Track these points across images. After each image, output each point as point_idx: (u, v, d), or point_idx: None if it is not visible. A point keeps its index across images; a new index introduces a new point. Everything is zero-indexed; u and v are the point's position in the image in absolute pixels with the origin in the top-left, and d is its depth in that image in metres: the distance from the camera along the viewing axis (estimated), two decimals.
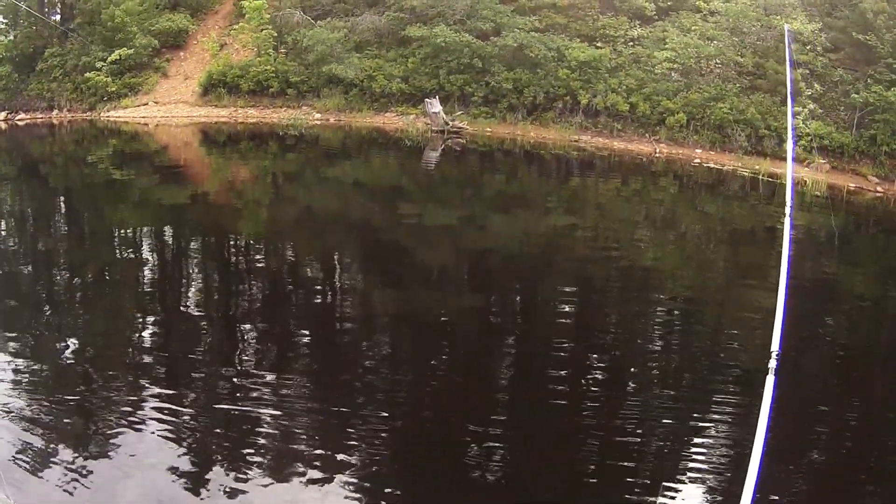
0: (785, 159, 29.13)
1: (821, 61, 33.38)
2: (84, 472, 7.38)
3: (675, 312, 14.15)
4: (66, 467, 7.45)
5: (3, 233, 19.18)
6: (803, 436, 9.12)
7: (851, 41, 33.46)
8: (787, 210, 7.53)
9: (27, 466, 7.41)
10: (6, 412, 8.32)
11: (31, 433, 7.98)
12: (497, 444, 8.57)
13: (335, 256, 17.48)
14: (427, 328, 12.40)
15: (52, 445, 7.86)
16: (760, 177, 28.03)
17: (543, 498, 7.72)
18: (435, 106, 33.41)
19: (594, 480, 8.03)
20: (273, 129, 35.53)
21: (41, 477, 7.30)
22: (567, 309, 14.11)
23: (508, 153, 31.75)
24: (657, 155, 31.39)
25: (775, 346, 5.48)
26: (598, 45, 36.06)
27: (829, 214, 19.99)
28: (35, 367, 9.83)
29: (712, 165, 30.23)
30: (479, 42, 35.18)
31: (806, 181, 27.19)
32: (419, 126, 34.02)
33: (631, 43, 36.40)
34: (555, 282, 15.34)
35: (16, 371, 9.56)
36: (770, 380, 5.12)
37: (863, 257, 20.63)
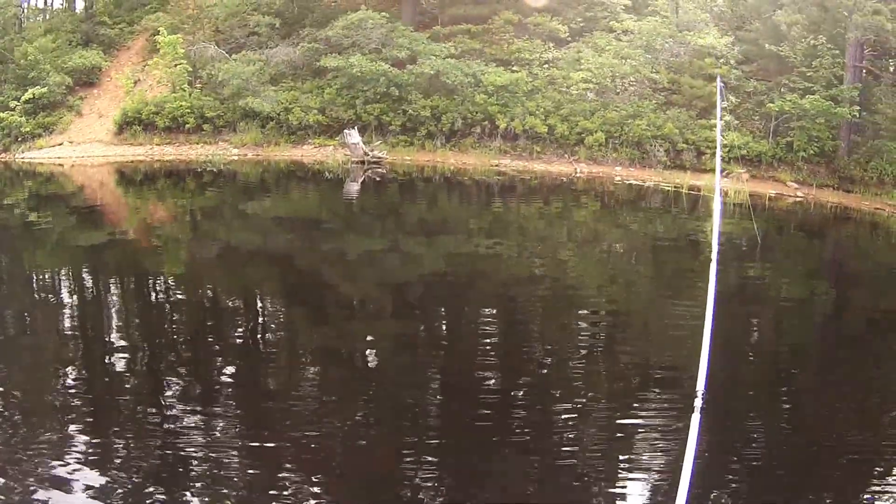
0: (705, 171, 30.05)
1: (734, 74, 34.08)
2: None
3: (600, 327, 14.32)
4: None
5: None
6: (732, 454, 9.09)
7: (764, 53, 34.42)
8: (713, 254, 7.37)
9: None
10: None
11: None
12: (429, 471, 8.48)
13: (257, 292, 17.23)
14: (352, 358, 12.39)
15: None
16: (682, 190, 28.37)
17: None
18: (354, 136, 33.17)
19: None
20: (190, 167, 34.98)
21: None
22: (491, 330, 14.19)
23: (429, 181, 31.75)
24: (578, 175, 31.61)
25: (701, 385, 5.64)
26: (514, 68, 36.28)
27: (751, 222, 20.24)
28: None
29: (633, 182, 30.51)
30: (395, 70, 35.05)
31: (727, 191, 27.54)
32: (339, 158, 33.78)
33: (546, 65, 36.68)
34: (479, 304, 15.37)
35: None
36: (696, 418, 5.23)
37: (786, 260, 21.10)
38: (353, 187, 30.75)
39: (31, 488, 7.86)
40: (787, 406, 11.01)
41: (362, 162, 33.09)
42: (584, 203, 28.03)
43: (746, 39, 35.91)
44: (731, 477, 8.77)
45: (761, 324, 15.37)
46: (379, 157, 33.54)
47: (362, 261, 19.31)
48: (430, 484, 8.20)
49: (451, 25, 39.16)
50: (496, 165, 32.74)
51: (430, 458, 8.67)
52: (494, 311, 15.13)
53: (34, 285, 17.29)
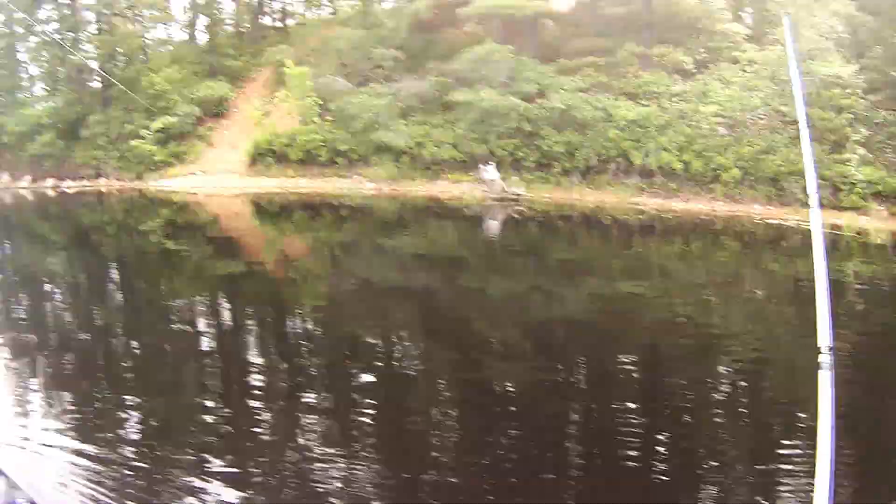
0: (843, 208, 29.88)
1: (862, 104, 34.07)
2: None
3: (743, 376, 14.26)
4: None
5: (58, 303, 19.28)
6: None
7: (890, 80, 34.28)
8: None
9: None
10: (63, 485, 8.43)
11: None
12: None
13: (395, 328, 17.44)
14: (491, 399, 12.57)
15: None
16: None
17: None
18: (492, 173, 34.06)
19: None
20: (326, 200, 35.76)
21: None
22: (633, 375, 14.37)
23: (568, 219, 32.25)
24: (716, 213, 31.90)
25: (824, 340, 4.76)
26: (643, 102, 36.78)
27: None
28: (99, 436, 9.88)
29: (772, 221, 30.62)
30: (526, 105, 35.84)
31: (867, 230, 27.79)
32: (476, 194, 34.37)
33: (675, 98, 36.96)
34: (620, 348, 15.48)
35: (74, 440, 9.58)
36: (825, 375, 4.63)
37: None
38: (494, 225, 31.31)
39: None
40: None
41: (501, 199, 33.85)
42: (724, 243, 28.31)
43: (870, 67, 35.45)
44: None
45: None
46: (517, 194, 34.23)
47: (503, 300, 19.51)
48: None
49: (577, 58, 39.78)
50: (635, 204, 33.21)
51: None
52: (636, 357, 15.32)
53: (172, 313, 18.04)
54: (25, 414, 10.52)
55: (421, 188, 35.99)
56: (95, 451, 9.04)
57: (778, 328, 17.97)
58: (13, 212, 39.93)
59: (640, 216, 31.88)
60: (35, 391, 11.67)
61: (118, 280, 22.89)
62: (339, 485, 8.99)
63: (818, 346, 4.69)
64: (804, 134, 5.58)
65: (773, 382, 14.12)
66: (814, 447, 8.81)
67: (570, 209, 33.15)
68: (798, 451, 10.17)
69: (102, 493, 8.17)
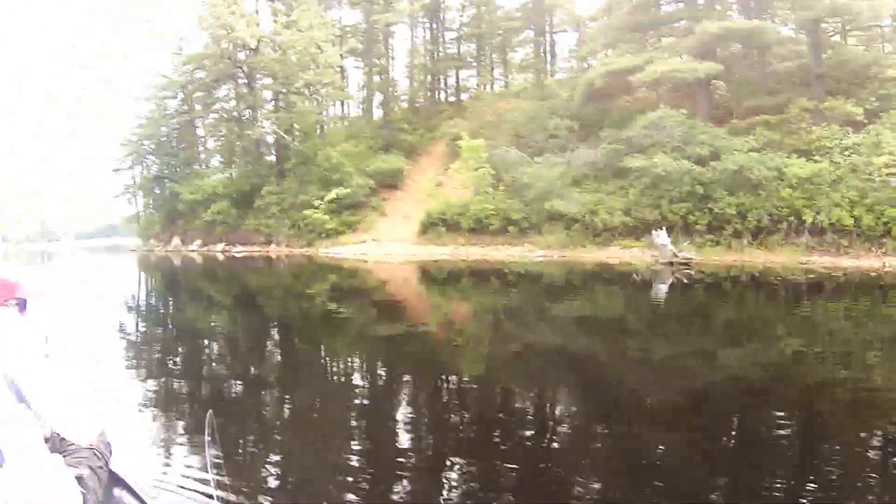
0: None
1: None
2: None
3: None
4: None
5: (220, 361, 20.17)
6: None
7: None
8: None
9: None
10: None
11: None
12: None
13: (556, 394, 17.71)
14: (647, 463, 12.55)
15: None
16: None
17: None
18: (662, 238, 34.70)
19: None
20: (494, 267, 36.53)
21: None
22: (788, 434, 13.96)
23: (737, 281, 32.16)
24: (886, 269, 31.51)
25: None
26: (816, 157, 36.81)
27: None
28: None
29: None
30: (698, 168, 36.42)
31: None
32: (646, 259, 34.87)
33: (847, 152, 36.89)
34: (779, 409, 15.24)
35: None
36: None
37: None
38: (662, 289, 31.65)
39: None
40: None
41: (671, 263, 34.34)
42: (893, 301, 28.10)
43: None
44: None
45: None
46: (688, 259, 34.69)
47: (664, 364, 19.42)
48: None
49: (749, 118, 40.04)
50: (804, 263, 33.20)
51: None
52: (792, 417, 14.97)
53: (330, 373, 18.65)
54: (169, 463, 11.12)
55: (591, 255, 36.44)
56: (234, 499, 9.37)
57: None
58: (182, 271, 41.68)
59: (809, 276, 31.79)
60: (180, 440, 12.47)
61: (277, 338, 23.91)
62: None
63: None
64: None
65: None
66: None
67: (738, 271, 33.06)
68: None
69: None
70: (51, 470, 5.18)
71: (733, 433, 15.19)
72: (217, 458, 5.43)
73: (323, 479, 11.13)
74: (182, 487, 9.93)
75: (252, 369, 19.27)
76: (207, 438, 5.67)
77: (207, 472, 5.42)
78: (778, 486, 11.94)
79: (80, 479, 5.61)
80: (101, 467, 5.74)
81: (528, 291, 32.46)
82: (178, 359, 20.09)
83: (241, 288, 34.69)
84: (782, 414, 15.62)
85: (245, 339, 23.29)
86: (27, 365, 5.34)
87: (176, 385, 16.65)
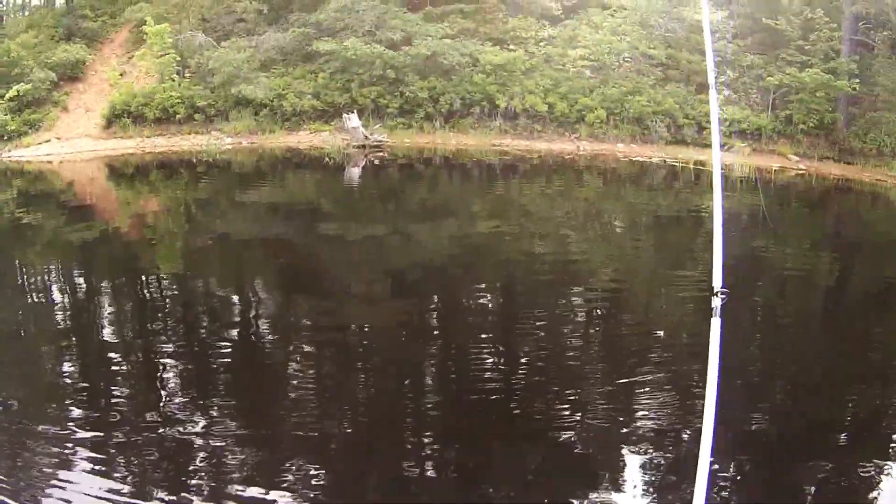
0: (707, 146, 30.71)
1: (731, 48, 34.72)
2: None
3: (601, 304, 14.78)
4: None
5: None
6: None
7: (760, 27, 35.48)
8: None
9: None
10: None
11: None
12: (431, 450, 9.08)
13: (256, 281, 17.66)
14: (353, 340, 12.84)
15: None
16: (686, 166, 29.55)
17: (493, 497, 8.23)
18: (353, 121, 33.63)
19: (545, 468, 8.57)
20: (183, 157, 35.01)
21: None
22: (492, 308, 14.75)
23: (430, 163, 32.40)
24: (580, 153, 32.41)
25: (717, 283, 5.14)
26: (511, 47, 36.98)
27: (756, 194, 20.95)
28: None
29: (636, 158, 31.45)
30: (390, 52, 35.55)
31: (731, 166, 28.60)
32: (337, 143, 34.25)
33: (542, 43, 37.46)
34: (481, 284, 15.90)
35: None
36: (716, 322, 4.89)
37: (791, 231, 21.90)
38: (355, 172, 31.35)
39: (39, 473, 8.44)
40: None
41: (363, 146, 33.69)
42: (587, 181, 29.00)
43: (741, 13, 36.51)
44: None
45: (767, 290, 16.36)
46: (380, 141, 34.08)
47: (363, 245, 19.58)
48: (434, 472, 8.69)
49: (444, 5, 39.89)
50: (497, 146, 33.39)
51: (429, 446, 9.17)
52: (493, 290, 15.78)
53: (22, 285, 17.51)
54: None
55: (280, 140, 35.67)
56: None
57: (634, 260, 18.63)
58: None
59: (504, 157, 32.26)
60: None
61: None
62: (203, 437, 9.12)
63: (713, 287, 5.10)
64: (712, 83, 5.83)
65: (627, 310, 14.65)
66: (665, 365, 9.10)
67: (431, 153, 33.26)
68: (652, 371, 10.88)
69: None
70: None
71: (432, 306, 15.49)
72: None
73: (41, 400, 10.47)
74: None
75: None
76: None
77: None
78: (479, 347, 12.22)
79: None
80: None
81: (219, 181, 31.25)
82: None
83: None
84: (483, 286, 15.88)
85: None
86: None
87: None
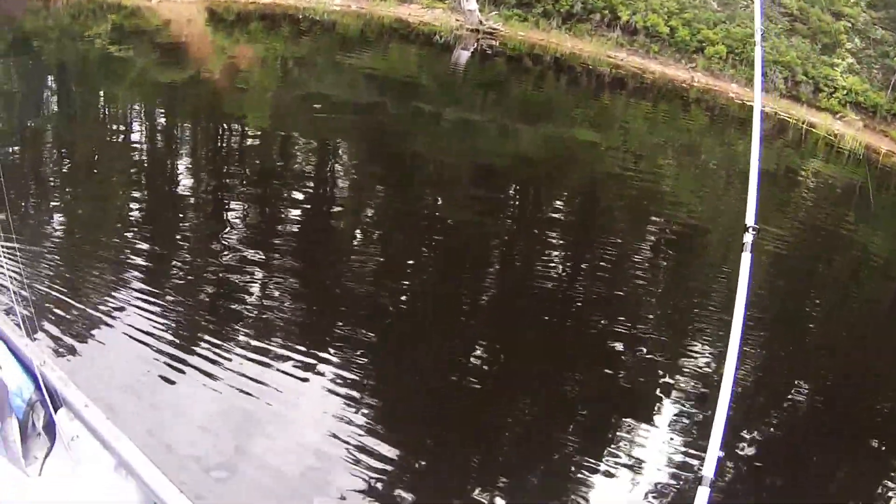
0: (820, 108, 30.51)
1: (863, 17, 34.33)
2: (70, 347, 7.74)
3: (675, 237, 14.86)
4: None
5: None
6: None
7: (892, 1, 34.52)
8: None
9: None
10: None
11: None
12: (478, 345, 9.28)
13: (339, 144, 17.80)
14: (423, 223, 13.07)
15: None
16: (795, 123, 29.17)
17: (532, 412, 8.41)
18: (471, 3, 33.21)
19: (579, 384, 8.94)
20: (287, 12, 35.32)
21: None
22: (568, 218, 14.88)
23: (540, 60, 31.80)
24: (693, 83, 31.86)
25: (750, 219, 5.11)
26: None
27: (861, 169, 20.70)
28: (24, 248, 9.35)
29: (748, 103, 30.27)
30: None
31: (841, 134, 28.25)
32: (449, 22, 34.09)
33: None
34: (564, 191, 16.02)
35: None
36: (746, 257, 4.92)
37: (886, 215, 21.33)
38: (463, 55, 30.98)
39: (95, 311, 8.42)
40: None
41: (476, 31, 33.28)
42: (694, 114, 28.58)
43: None
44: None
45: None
46: (494, 29, 33.58)
47: (456, 128, 19.75)
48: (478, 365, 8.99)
49: None
50: (612, 58, 32.78)
51: (480, 345, 9.36)
52: (574, 202, 15.99)
53: (108, 120, 17.94)
54: None
55: (390, 9, 35.42)
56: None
57: (720, 202, 18.43)
58: None
59: (615, 70, 31.79)
60: None
61: (56, 87, 22.58)
62: (262, 299, 9.40)
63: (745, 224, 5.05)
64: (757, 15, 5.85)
65: (697, 248, 14.86)
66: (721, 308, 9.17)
67: (543, 51, 32.64)
68: (706, 314, 11.07)
69: None
70: None
71: (513, 203, 15.69)
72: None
73: (108, 229, 10.85)
74: None
75: (29, 122, 17.77)
76: None
77: None
78: (547, 255, 12.47)
79: None
80: None
81: (320, 41, 31.16)
82: None
83: (15, 31, 32.50)
84: (565, 194, 15.92)
85: (21, 91, 21.74)
86: None
87: None
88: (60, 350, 7.38)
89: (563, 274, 11.67)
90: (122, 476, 3.86)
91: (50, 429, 4.28)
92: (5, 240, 4.57)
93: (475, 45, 32.04)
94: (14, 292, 4.33)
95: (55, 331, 7.65)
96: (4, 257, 4.59)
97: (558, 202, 15.35)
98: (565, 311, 10.45)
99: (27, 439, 4.23)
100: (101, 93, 20.32)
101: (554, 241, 12.96)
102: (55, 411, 4.21)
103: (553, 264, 11.88)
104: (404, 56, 30.43)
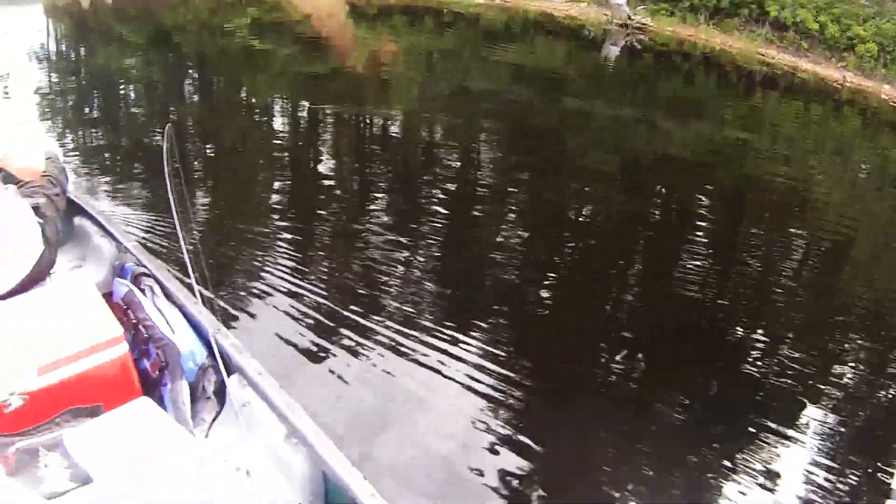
0: None
1: None
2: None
3: (824, 246, 14.64)
4: None
5: (134, 100, 19.65)
6: None
7: None
8: None
9: None
10: None
11: None
12: (625, 341, 9.39)
13: (482, 137, 18.11)
14: (569, 222, 13.31)
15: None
16: None
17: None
18: None
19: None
20: (429, 6, 35.52)
21: None
22: (716, 222, 14.61)
23: (688, 57, 31.92)
24: (845, 83, 31.40)
25: None
26: None
27: None
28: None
29: None
30: None
31: None
32: (593, 16, 34.10)
33: None
34: (712, 195, 15.95)
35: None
36: None
37: None
38: (612, 51, 31.18)
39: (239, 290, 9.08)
40: None
41: (624, 25, 33.69)
42: (846, 116, 28.18)
43: None
44: None
45: None
46: (642, 24, 34.01)
47: (605, 125, 19.93)
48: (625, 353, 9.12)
49: None
50: (762, 55, 32.81)
51: (620, 344, 9.34)
52: (721, 203, 15.79)
53: (248, 109, 18.83)
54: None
55: (534, 2, 35.78)
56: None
57: (874, 212, 18.02)
58: (89, 15, 40.06)
59: (766, 68, 31.66)
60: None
61: (196, 78, 23.27)
62: (405, 280, 9.87)
63: None
64: None
65: (847, 258, 14.60)
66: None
67: (691, 47, 32.85)
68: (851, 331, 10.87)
69: None
70: (4, 202, 4.98)
71: (659, 201, 15.89)
72: (175, 167, 5.28)
73: (260, 211, 11.64)
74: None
75: (173, 108, 18.51)
76: (167, 146, 5.49)
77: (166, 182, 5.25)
78: (690, 254, 12.48)
79: (36, 208, 5.39)
80: (57, 195, 5.55)
81: (465, 34, 31.64)
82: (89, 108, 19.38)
83: (155, 25, 33.36)
84: (712, 196, 16.03)
85: (162, 83, 22.44)
86: None
87: (92, 133, 16.26)
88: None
89: (708, 277, 11.79)
90: (292, 445, 3.99)
91: (220, 394, 4.53)
92: (183, 216, 5.05)
93: (624, 40, 32.28)
94: (192, 263, 4.80)
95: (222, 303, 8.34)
96: (182, 230, 5.08)
97: (704, 203, 15.34)
98: (709, 313, 10.62)
99: (196, 402, 4.50)
100: (244, 84, 21.26)
101: (698, 242, 13.04)
102: (227, 377, 4.46)
103: (696, 266, 11.94)
104: (551, 50, 30.76)
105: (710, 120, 22.73)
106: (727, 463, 7.32)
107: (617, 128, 19.74)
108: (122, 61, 23.28)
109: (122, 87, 20.27)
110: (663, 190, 16.25)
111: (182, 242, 4.57)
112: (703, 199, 15.67)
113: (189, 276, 4.80)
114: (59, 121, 15.96)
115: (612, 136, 19.01)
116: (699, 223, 14.26)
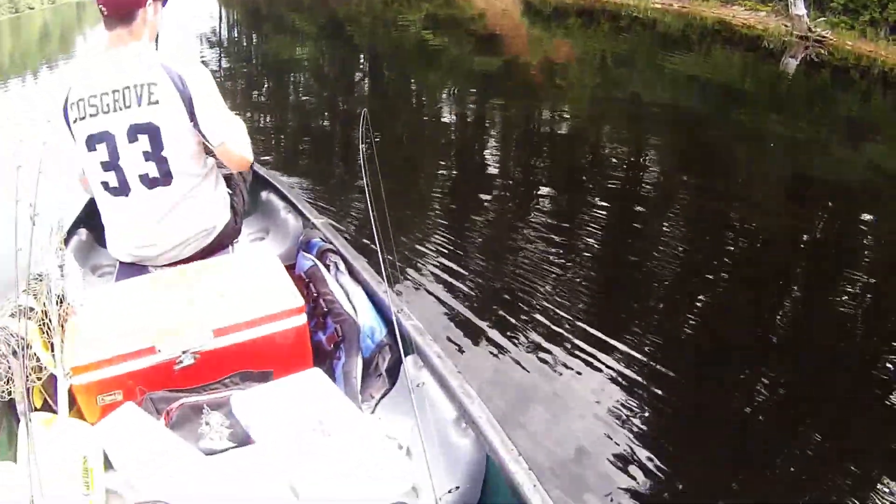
0: None
1: None
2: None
3: None
4: None
5: (300, 92, 20.73)
6: None
7: None
8: None
9: None
10: None
11: None
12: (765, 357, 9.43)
13: (652, 144, 18.63)
14: (730, 237, 13.24)
15: None
16: None
17: None
18: (799, 7, 33.33)
19: None
20: (607, 8, 35.89)
21: None
22: (877, 254, 13.85)
23: (867, 74, 30.98)
24: None
25: None
26: None
27: None
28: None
29: None
30: None
31: None
32: (772, 26, 34.08)
33: None
34: (877, 226, 15.01)
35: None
36: None
37: None
38: (791, 64, 30.88)
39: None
40: None
41: (804, 38, 33.37)
42: None
43: None
44: None
45: None
46: (822, 37, 33.58)
47: (775, 143, 19.31)
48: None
49: None
50: None
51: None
52: (885, 236, 14.65)
53: (421, 104, 19.52)
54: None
55: (713, 10, 35.61)
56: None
57: None
58: (263, 4, 40.93)
59: None
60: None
61: (368, 69, 23.69)
62: (558, 283, 10.19)
63: None
64: None
65: None
66: None
67: (870, 63, 32.00)
68: None
69: None
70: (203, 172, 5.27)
71: (821, 227, 14.96)
72: (368, 151, 5.62)
73: (427, 200, 12.57)
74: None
75: (342, 100, 19.36)
76: (362, 129, 5.81)
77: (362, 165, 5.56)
78: (852, 289, 11.80)
79: (228, 178, 5.79)
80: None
81: (640, 39, 31.89)
82: (264, 93, 19.95)
83: (328, 17, 34.03)
84: (877, 228, 14.98)
85: (333, 74, 22.89)
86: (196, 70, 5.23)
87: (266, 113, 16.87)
88: None
89: (862, 310, 11.33)
90: (461, 429, 4.03)
91: (392, 373, 4.69)
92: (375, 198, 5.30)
93: (803, 52, 32.00)
94: (379, 243, 5.09)
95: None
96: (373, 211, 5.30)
97: (868, 234, 15.07)
98: (862, 345, 10.34)
99: (367, 378, 4.68)
100: (417, 78, 22.14)
101: (855, 275, 12.72)
102: (405, 356, 4.57)
103: (852, 297, 11.56)
104: (728, 60, 30.71)
105: (886, 145, 22.03)
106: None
107: (789, 146, 19.50)
108: (295, 50, 23.93)
109: (297, 74, 20.87)
110: (827, 216, 15.83)
111: (374, 221, 4.86)
112: (868, 229, 15.18)
113: (377, 252, 4.99)
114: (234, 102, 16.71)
115: (784, 154, 18.81)
116: (859, 252, 13.77)
